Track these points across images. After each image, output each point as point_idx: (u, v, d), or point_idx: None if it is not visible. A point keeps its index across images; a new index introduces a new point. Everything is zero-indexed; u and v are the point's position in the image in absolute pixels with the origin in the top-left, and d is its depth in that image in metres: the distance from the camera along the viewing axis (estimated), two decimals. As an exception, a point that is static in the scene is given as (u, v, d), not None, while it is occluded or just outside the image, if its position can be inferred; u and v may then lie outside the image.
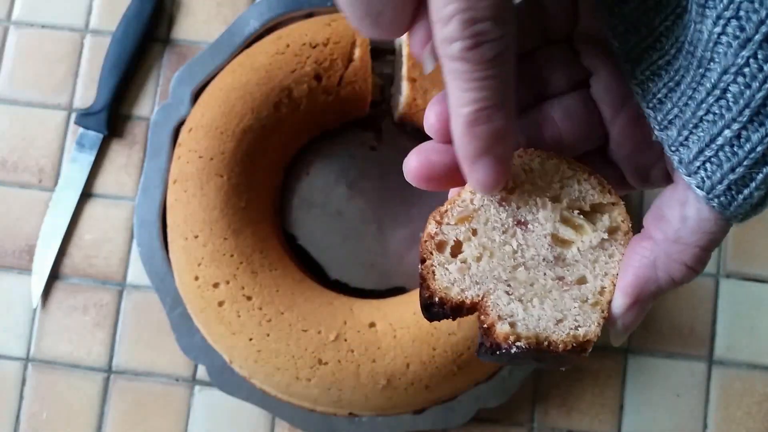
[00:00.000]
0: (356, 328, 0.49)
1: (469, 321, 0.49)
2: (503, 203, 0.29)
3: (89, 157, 0.57)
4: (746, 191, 0.24)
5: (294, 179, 0.57)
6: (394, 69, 0.57)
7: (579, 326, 0.29)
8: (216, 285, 0.50)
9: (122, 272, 0.57)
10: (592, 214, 0.30)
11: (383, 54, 0.58)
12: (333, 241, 0.56)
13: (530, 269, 0.29)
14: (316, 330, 0.49)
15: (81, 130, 0.57)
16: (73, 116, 0.58)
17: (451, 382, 0.50)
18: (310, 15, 0.56)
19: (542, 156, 0.29)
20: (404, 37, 0.52)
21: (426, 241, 0.29)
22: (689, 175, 0.25)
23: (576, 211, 0.29)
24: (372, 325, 0.49)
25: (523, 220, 0.29)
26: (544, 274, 0.29)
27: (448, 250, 0.29)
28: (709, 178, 0.25)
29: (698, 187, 0.25)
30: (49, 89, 0.59)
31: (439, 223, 0.29)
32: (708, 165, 0.24)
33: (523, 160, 0.29)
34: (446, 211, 0.29)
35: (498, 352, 0.28)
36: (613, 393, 0.56)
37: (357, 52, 0.52)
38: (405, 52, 0.52)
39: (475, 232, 0.29)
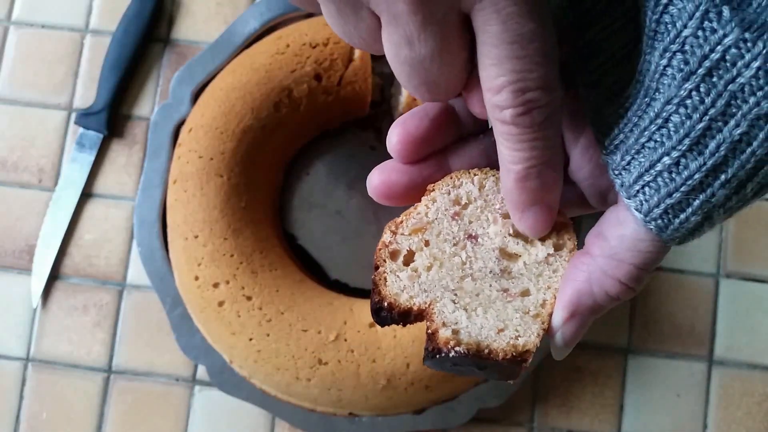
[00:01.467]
0: (356, 328, 0.49)
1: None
2: (456, 217, 0.31)
3: (89, 157, 0.57)
4: (682, 216, 0.25)
5: (294, 179, 0.57)
6: (394, 69, 0.57)
7: (519, 336, 0.29)
8: (216, 285, 0.50)
9: (122, 272, 0.57)
10: None
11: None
12: (333, 241, 0.56)
13: (477, 280, 0.30)
14: (316, 330, 0.49)
15: (81, 130, 0.57)
16: (73, 116, 0.58)
17: (451, 382, 0.50)
18: (310, 15, 0.56)
19: (496, 175, 0.30)
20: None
21: (380, 249, 0.30)
22: (629, 198, 0.26)
23: None
24: (372, 325, 0.49)
25: (473, 234, 0.30)
26: (490, 285, 0.30)
27: (400, 258, 0.30)
28: (647, 201, 0.26)
29: (636, 210, 0.26)
30: (49, 89, 0.59)
31: (394, 233, 0.31)
32: (647, 189, 0.26)
33: (479, 178, 0.30)
34: (401, 222, 0.31)
35: (438, 356, 0.29)
36: (613, 393, 0.56)
37: (357, 52, 0.52)
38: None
39: (427, 243, 0.30)
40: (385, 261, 0.30)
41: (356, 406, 0.51)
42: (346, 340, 0.49)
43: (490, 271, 0.30)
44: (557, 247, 0.30)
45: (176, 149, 0.53)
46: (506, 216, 0.30)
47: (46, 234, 0.56)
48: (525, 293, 0.30)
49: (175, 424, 0.55)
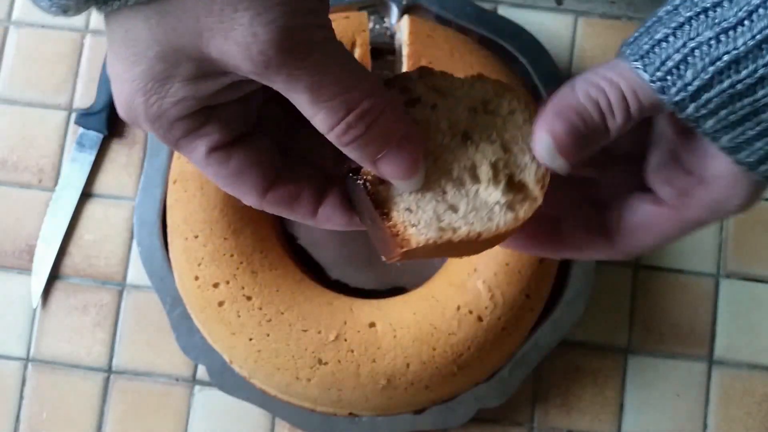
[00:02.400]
0: (356, 328, 0.49)
1: (469, 320, 0.49)
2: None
3: (89, 157, 0.57)
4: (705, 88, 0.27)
5: (294, 179, 0.57)
6: (394, 69, 0.57)
7: (414, 219, 0.33)
8: (216, 285, 0.50)
9: (122, 272, 0.57)
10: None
11: (383, 54, 0.58)
12: (333, 241, 0.56)
13: (442, 157, 0.33)
14: (316, 330, 0.49)
15: (81, 129, 0.58)
16: (74, 116, 0.59)
17: (451, 382, 0.50)
18: (310, 15, 0.56)
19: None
20: (405, 38, 0.52)
21: None
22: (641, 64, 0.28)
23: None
24: (372, 325, 0.49)
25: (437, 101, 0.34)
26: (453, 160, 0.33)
27: None
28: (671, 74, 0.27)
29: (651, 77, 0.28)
30: (50, 89, 0.59)
31: None
32: (680, 66, 0.27)
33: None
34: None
35: (350, 175, 0.32)
36: (613, 393, 0.56)
37: (357, 52, 0.52)
38: (405, 52, 0.52)
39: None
40: None
41: (356, 406, 0.51)
42: (346, 340, 0.49)
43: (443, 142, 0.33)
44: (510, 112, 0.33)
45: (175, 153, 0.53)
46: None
47: (46, 234, 0.56)
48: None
49: (175, 424, 0.55)
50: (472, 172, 0.34)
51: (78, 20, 0.60)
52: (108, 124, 0.57)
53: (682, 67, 0.26)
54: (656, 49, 0.27)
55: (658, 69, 0.27)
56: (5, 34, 0.60)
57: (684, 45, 0.26)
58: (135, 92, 0.27)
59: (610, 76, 0.29)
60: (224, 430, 0.55)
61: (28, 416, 0.55)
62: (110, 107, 0.57)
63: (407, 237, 0.33)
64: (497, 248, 0.49)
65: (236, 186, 0.32)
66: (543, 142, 0.30)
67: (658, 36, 0.27)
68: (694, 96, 0.27)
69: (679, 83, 0.27)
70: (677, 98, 0.27)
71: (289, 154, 0.33)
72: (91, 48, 0.60)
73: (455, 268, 0.51)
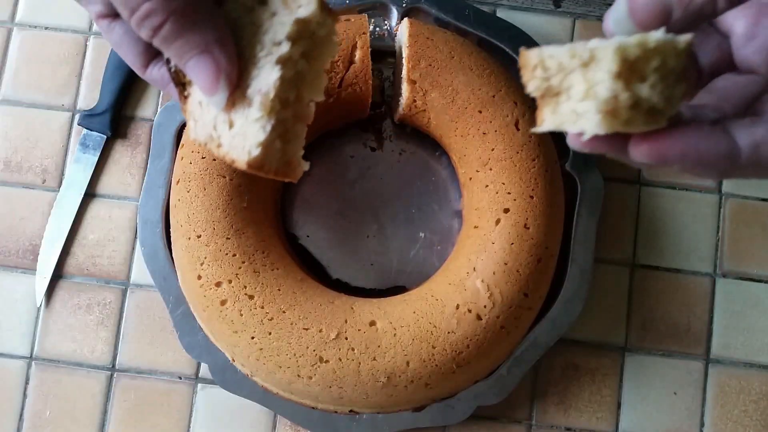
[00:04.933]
0: (357, 326, 0.50)
1: (468, 319, 0.49)
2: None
3: (93, 158, 0.58)
4: None
5: (295, 180, 0.57)
6: (395, 71, 0.58)
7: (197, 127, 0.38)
8: (218, 284, 0.50)
9: (126, 272, 0.57)
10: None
11: (384, 56, 0.58)
12: (334, 240, 0.56)
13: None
14: (317, 328, 0.49)
15: (84, 131, 0.58)
16: (77, 117, 0.59)
17: (450, 380, 0.50)
18: (311, 17, 0.57)
19: None
20: (405, 40, 0.53)
21: None
22: None
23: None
24: (372, 323, 0.50)
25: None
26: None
27: None
28: None
29: None
30: (53, 90, 0.60)
31: None
32: None
33: None
34: None
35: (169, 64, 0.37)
36: (611, 391, 0.56)
37: (358, 54, 0.53)
38: (405, 54, 0.53)
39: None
40: None
41: (357, 404, 0.51)
42: (346, 338, 0.49)
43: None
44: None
45: (179, 150, 0.54)
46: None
47: (50, 234, 0.57)
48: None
49: (178, 422, 0.55)
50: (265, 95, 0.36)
51: (81, 22, 0.60)
52: (111, 125, 0.58)
53: None
54: None
55: None
56: (9, 36, 0.60)
57: None
58: None
59: None
60: (226, 427, 0.55)
61: (32, 414, 0.55)
62: (113, 109, 0.58)
63: (188, 126, 0.37)
64: (496, 247, 0.50)
65: (122, 54, 0.38)
66: (617, 11, 0.29)
67: None
68: None
69: None
70: None
71: None
72: (94, 50, 0.60)
73: (455, 267, 0.52)
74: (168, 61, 0.37)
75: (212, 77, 0.34)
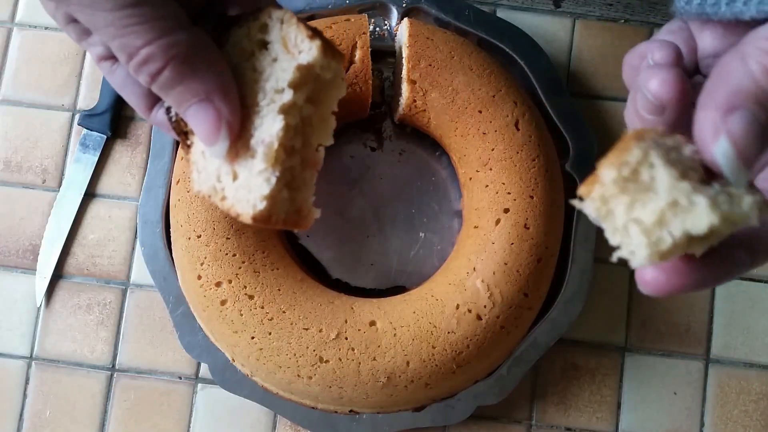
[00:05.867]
0: (357, 326, 0.50)
1: (468, 319, 0.49)
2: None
3: (93, 158, 0.58)
4: None
5: (295, 180, 0.57)
6: (395, 71, 0.58)
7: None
8: (218, 284, 0.50)
9: (126, 272, 0.57)
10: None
11: (384, 56, 0.58)
12: (334, 240, 0.57)
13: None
14: (317, 328, 0.49)
15: (84, 131, 0.58)
16: (77, 117, 0.59)
17: (450, 380, 0.50)
18: (311, 18, 0.57)
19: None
20: (405, 40, 0.53)
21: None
22: None
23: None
24: (372, 323, 0.50)
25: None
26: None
27: None
28: None
29: None
30: (53, 90, 0.60)
31: None
32: None
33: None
34: None
35: (170, 111, 0.36)
36: (611, 391, 0.56)
37: (358, 54, 0.53)
38: (405, 54, 0.53)
39: None
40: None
41: (357, 404, 0.51)
42: (346, 338, 0.49)
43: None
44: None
45: (179, 150, 0.54)
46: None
47: (50, 234, 0.57)
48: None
49: (178, 422, 0.55)
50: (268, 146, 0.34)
51: (81, 22, 0.60)
52: (111, 125, 0.58)
53: None
54: None
55: None
56: (9, 36, 0.60)
57: None
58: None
59: None
60: (226, 427, 0.55)
61: (32, 414, 0.55)
62: (113, 109, 0.58)
63: (192, 178, 0.36)
64: (496, 247, 0.50)
65: (125, 97, 0.37)
66: (721, 149, 0.24)
67: None
68: None
69: None
70: None
71: None
72: (95, 50, 0.60)
73: (455, 267, 0.52)
74: (168, 110, 0.36)
75: (212, 127, 0.33)
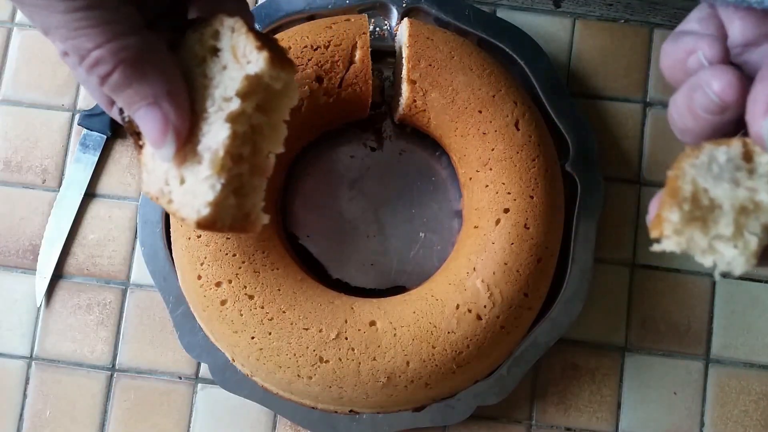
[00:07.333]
0: (357, 326, 0.50)
1: (468, 319, 0.49)
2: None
3: (93, 158, 0.58)
4: None
5: (295, 180, 0.57)
6: (395, 71, 0.58)
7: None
8: (218, 284, 0.50)
9: (126, 272, 0.57)
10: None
11: (384, 56, 0.58)
12: (334, 240, 0.57)
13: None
14: (317, 328, 0.49)
15: (84, 131, 0.58)
16: (77, 117, 0.59)
17: (450, 380, 0.50)
18: (311, 18, 0.57)
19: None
20: (404, 40, 0.53)
21: None
22: None
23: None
24: (372, 323, 0.50)
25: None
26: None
27: None
28: None
29: None
30: (53, 90, 0.60)
31: None
32: None
33: None
34: None
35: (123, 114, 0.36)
36: (611, 391, 0.56)
37: (358, 54, 0.53)
38: (405, 54, 0.53)
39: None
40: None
41: (357, 404, 0.51)
42: (346, 338, 0.49)
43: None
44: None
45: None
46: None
47: (50, 234, 0.57)
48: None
49: (178, 422, 0.55)
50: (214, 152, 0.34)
51: (81, 22, 0.60)
52: (111, 125, 0.58)
53: None
54: None
55: None
56: (9, 36, 0.60)
57: None
58: None
59: None
60: (226, 427, 0.55)
61: (32, 414, 0.55)
62: (113, 108, 0.58)
63: (142, 179, 0.36)
64: (496, 247, 0.50)
65: (88, 92, 0.40)
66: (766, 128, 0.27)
67: None
68: None
69: None
70: None
71: None
72: (95, 50, 0.60)
73: (455, 267, 0.52)
74: (122, 110, 0.36)
75: (159, 130, 0.33)
